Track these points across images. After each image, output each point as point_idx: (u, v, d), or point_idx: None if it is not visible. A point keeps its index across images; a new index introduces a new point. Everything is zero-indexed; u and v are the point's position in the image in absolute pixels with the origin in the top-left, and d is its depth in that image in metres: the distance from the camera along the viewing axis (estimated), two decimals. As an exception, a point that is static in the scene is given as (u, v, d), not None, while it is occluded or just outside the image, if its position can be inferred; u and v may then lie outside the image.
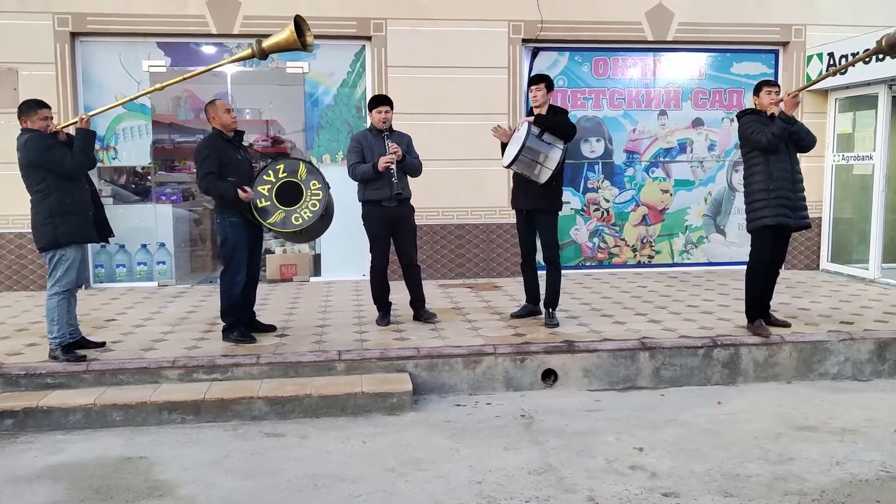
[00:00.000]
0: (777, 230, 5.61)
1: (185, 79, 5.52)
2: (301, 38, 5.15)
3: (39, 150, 4.92)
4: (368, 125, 6.19)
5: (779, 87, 5.77)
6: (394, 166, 5.84)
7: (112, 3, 7.92)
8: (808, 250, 9.22)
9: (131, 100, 6.11)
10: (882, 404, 4.99)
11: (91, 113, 5.30)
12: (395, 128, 6.06)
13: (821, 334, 5.72)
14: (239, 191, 5.37)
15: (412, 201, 6.13)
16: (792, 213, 5.54)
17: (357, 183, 6.03)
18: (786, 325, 5.88)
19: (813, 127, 5.67)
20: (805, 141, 5.61)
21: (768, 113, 5.57)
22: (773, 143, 5.43)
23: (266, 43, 5.22)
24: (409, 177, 6.07)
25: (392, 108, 6.00)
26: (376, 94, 6.05)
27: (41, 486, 3.80)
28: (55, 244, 5.02)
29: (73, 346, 5.21)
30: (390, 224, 6.00)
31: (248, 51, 5.27)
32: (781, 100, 5.51)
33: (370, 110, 6.04)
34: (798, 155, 5.73)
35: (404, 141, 6.06)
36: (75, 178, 5.08)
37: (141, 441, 4.40)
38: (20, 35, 7.85)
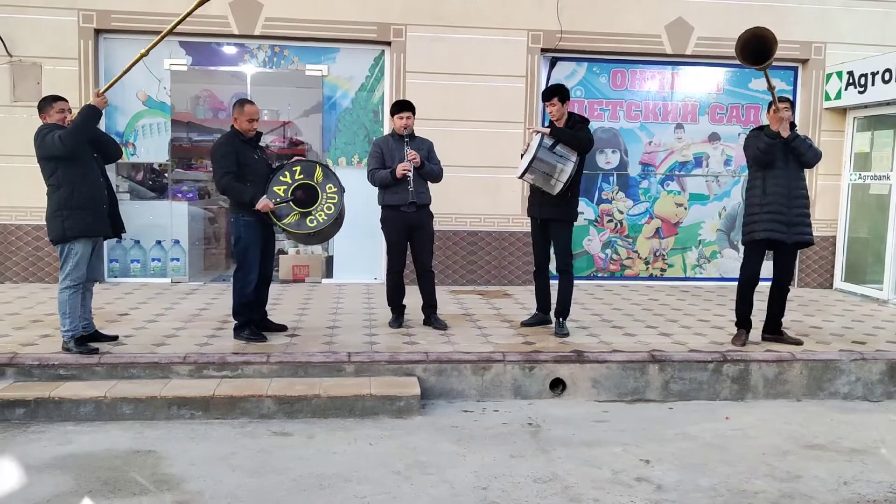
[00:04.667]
0: (770, 245, 5.63)
1: (142, 56, 5.26)
2: None
3: (39, 141, 4.99)
4: (390, 130, 6.16)
5: (789, 102, 5.69)
6: (411, 173, 5.86)
7: (136, 2, 7.99)
8: (822, 269, 9.16)
9: (115, 81, 5.70)
10: (892, 426, 4.96)
11: (102, 89, 5.24)
12: (414, 133, 6.08)
13: (832, 353, 5.68)
14: (259, 202, 5.39)
15: (431, 207, 6.15)
16: (786, 229, 5.53)
17: (377, 187, 6.06)
18: (798, 342, 5.85)
19: (830, 145, 5.61)
20: (805, 156, 5.56)
21: (774, 129, 5.56)
22: (757, 158, 5.54)
23: None
24: (429, 183, 6.08)
25: (414, 114, 6.02)
26: (399, 99, 6.02)
27: (50, 475, 3.83)
28: (62, 238, 5.06)
29: (86, 338, 5.26)
30: (408, 229, 6.02)
31: None
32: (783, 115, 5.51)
33: (392, 115, 6.05)
34: (806, 171, 5.73)
35: (425, 147, 6.07)
36: (87, 173, 5.06)
37: (150, 435, 4.43)
38: (45, 30, 7.95)
